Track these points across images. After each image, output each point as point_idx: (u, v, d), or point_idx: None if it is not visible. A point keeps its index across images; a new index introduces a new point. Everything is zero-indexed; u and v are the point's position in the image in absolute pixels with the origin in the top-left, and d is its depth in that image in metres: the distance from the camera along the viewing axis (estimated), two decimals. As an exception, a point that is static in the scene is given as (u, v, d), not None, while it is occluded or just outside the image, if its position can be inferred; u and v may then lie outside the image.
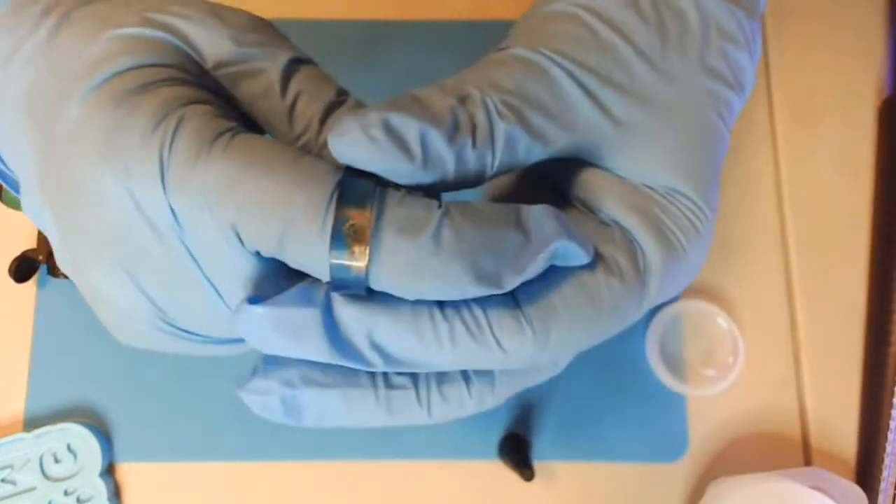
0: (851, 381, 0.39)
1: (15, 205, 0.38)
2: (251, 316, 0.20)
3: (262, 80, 0.23)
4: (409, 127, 0.20)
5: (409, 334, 0.20)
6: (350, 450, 0.37)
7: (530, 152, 0.23)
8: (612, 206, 0.24)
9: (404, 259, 0.19)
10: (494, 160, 0.22)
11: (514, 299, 0.21)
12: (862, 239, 0.40)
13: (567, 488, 0.37)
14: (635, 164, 0.24)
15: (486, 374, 0.23)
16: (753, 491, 0.33)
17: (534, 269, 0.20)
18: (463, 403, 0.23)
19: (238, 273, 0.21)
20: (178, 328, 0.23)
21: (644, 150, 0.24)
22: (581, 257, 0.21)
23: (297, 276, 0.21)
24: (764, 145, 0.42)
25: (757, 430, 0.38)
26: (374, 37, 0.42)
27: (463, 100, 0.22)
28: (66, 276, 0.38)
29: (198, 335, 0.23)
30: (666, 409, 0.38)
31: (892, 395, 0.37)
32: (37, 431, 0.36)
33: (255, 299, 0.20)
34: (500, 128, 0.22)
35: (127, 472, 0.37)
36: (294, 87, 0.23)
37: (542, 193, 0.27)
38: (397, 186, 0.21)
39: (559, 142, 0.23)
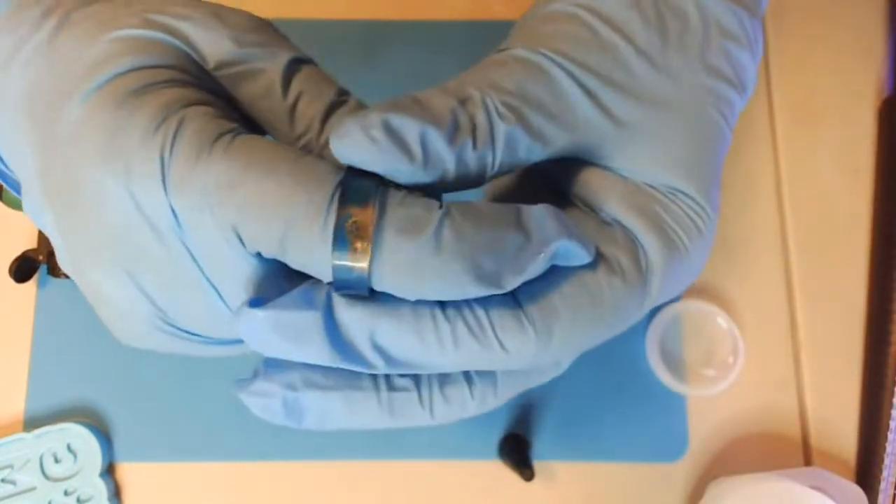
0: (851, 381, 0.39)
1: (15, 205, 0.38)
2: (252, 319, 0.20)
3: (263, 81, 0.23)
4: (410, 128, 0.20)
5: (412, 335, 0.20)
6: (350, 450, 0.37)
7: (531, 152, 0.23)
8: (614, 206, 0.24)
9: (405, 259, 0.19)
10: (495, 160, 0.22)
11: (515, 300, 0.21)
12: (862, 239, 0.40)
13: (567, 488, 0.37)
14: (636, 163, 0.24)
15: (489, 375, 0.23)
16: (753, 491, 0.33)
17: (534, 268, 0.20)
18: (465, 405, 0.23)
19: (239, 274, 0.21)
20: (178, 329, 0.23)
21: (645, 150, 0.24)
22: (582, 257, 0.21)
23: (299, 277, 0.21)
24: (764, 145, 0.42)
25: (757, 430, 0.38)
26: (374, 37, 0.42)
27: (463, 101, 0.22)
28: (66, 276, 0.38)
29: (199, 336, 0.23)
30: (666, 409, 0.38)
31: (892, 395, 0.37)
32: (37, 431, 0.36)
33: (255, 302, 0.20)
34: (501, 129, 0.22)
35: (127, 472, 0.37)
36: (295, 87, 0.23)
37: (542, 193, 0.27)
38: (398, 187, 0.21)
39: (560, 142, 0.23)
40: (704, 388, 0.38)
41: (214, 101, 0.22)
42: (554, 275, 0.21)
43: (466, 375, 0.23)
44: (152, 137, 0.20)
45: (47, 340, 0.38)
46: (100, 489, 0.36)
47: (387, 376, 0.22)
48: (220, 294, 0.21)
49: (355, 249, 0.19)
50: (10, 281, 0.38)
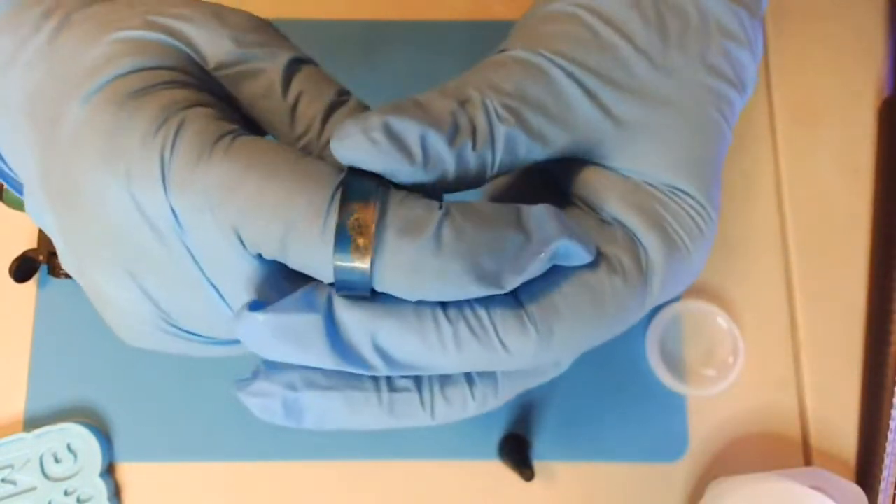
0: (851, 381, 0.39)
1: (16, 205, 0.38)
2: (252, 323, 0.20)
3: (264, 81, 0.23)
4: (410, 130, 0.20)
5: (414, 337, 0.20)
6: (350, 450, 0.37)
7: (531, 153, 0.23)
8: (614, 205, 0.24)
9: (405, 260, 0.19)
10: (495, 161, 0.22)
11: (516, 300, 0.21)
12: (862, 239, 0.40)
13: (567, 488, 0.37)
14: (636, 162, 0.24)
15: (489, 376, 0.23)
16: (753, 491, 0.33)
17: (535, 268, 0.20)
18: (466, 405, 0.23)
19: (240, 275, 0.21)
20: (180, 329, 0.23)
21: (645, 149, 0.24)
22: (583, 257, 0.21)
23: (300, 277, 0.21)
24: (764, 145, 0.42)
25: (757, 430, 0.38)
26: (374, 37, 0.42)
27: (463, 103, 0.22)
28: (66, 276, 0.38)
29: (200, 336, 0.23)
30: (666, 409, 0.38)
31: (892, 395, 0.37)
32: (37, 431, 0.36)
33: (255, 305, 0.20)
34: (500, 130, 0.22)
35: (127, 472, 0.37)
36: (295, 87, 0.23)
37: (542, 193, 0.27)
38: (399, 187, 0.21)
39: (560, 142, 0.23)
40: (704, 388, 0.38)
41: (215, 103, 0.22)
42: (555, 275, 0.21)
43: (467, 376, 0.23)
44: (153, 139, 0.20)
45: (47, 340, 0.38)
46: (100, 489, 0.36)
47: (387, 377, 0.22)
48: (221, 294, 0.21)
49: (357, 248, 0.19)
50: (10, 281, 0.38)
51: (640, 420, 0.38)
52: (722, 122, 0.25)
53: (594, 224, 0.24)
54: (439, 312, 0.20)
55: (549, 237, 0.20)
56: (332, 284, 0.20)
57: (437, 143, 0.21)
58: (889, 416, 0.37)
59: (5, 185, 0.31)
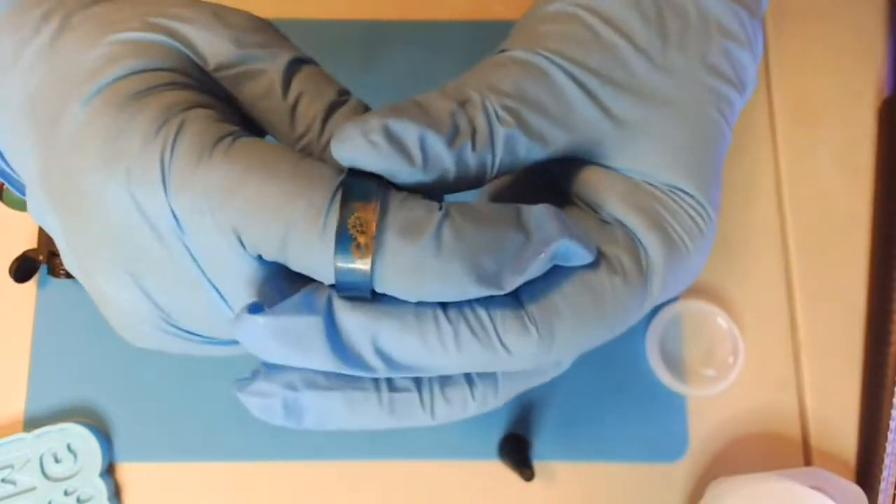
0: (851, 381, 0.39)
1: (16, 205, 0.38)
2: (252, 325, 0.19)
3: (264, 81, 0.23)
4: (409, 132, 0.20)
5: (414, 338, 0.20)
6: (350, 450, 0.37)
7: (531, 153, 0.23)
8: (614, 205, 0.24)
9: (406, 260, 0.19)
10: (495, 162, 0.22)
11: (517, 300, 0.21)
12: (862, 239, 0.40)
13: (567, 488, 0.37)
14: (636, 162, 0.24)
15: (489, 376, 0.23)
16: (753, 491, 0.33)
17: (535, 269, 0.20)
18: (466, 405, 0.23)
19: (240, 276, 0.21)
20: (180, 329, 0.23)
21: (645, 148, 0.24)
22: (583, 257, 0.21)
23: (300, 278, 0.21)
24: (764, 145, 0.42)
25: (757, 430, 0.38)
26: (374, 37, 0.42)
27: (463, 103, 0.22)
28: (66, 276, 0.38)
29: (201, 336, 0.23)
30: (666, 409, 0.38)
31: (892, 395, 0.37)
32: (37, 431, 0.36)
33: (255, 308, 0.20)
34: (500, 131, 0.22)
35: (127, 472, 0.37)
36: (295, 87, 0.23)
37: (542, 192, 0.27)
38: (399, 188, 0.21)
39: (559, 142, 0.23)
40: (704, 388, 0.38)
41: (215, 104, 0.22)
42: (555, 275, 0.21)
43: (467, 376, 0.22)
44: (153, 140, 0.20)
45: (47, 340, 0.38)
46: (100, 489, 0.36)
47: (388, 378, 0.22)
48: (221, 295, 0.21)
49: (357, 249, 0.19)
50: (10, 281, 0.38)
51: (640, 420, 0.38)
52: (722, 122, 0.25)
53: (594, 224, 0.24)
54: (440, 313, 0.20)
55: (550, 237, 0.20)
56: (332, 286, 0.20)
57: (437, 144, 0.21)
58: (889, 416, 0.37)
59: (5, 185, 0.31)
